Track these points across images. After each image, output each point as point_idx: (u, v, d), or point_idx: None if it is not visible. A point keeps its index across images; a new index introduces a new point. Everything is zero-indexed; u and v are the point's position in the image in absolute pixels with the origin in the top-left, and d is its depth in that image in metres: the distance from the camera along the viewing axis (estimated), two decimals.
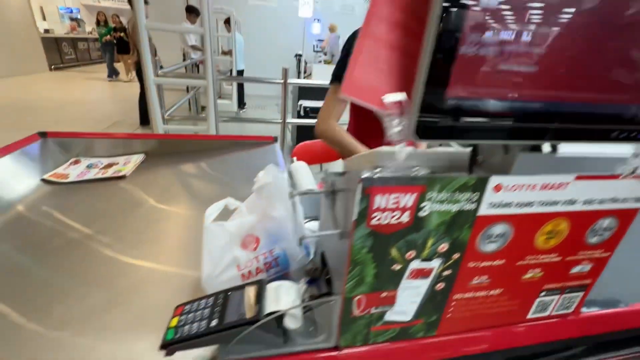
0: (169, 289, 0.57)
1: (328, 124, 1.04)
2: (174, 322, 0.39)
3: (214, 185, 1.00)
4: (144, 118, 3.84)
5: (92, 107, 4.86)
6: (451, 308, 0.41)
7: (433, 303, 0.40)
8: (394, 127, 0.29)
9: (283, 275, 0.54)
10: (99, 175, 1.01)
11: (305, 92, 3.01)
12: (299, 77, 5.27)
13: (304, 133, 2.80)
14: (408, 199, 0.32)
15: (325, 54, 4.78)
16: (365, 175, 0.29)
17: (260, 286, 0.41)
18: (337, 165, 1.13)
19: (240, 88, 4.84)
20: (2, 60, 6.36)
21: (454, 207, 0.34)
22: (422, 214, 0.33)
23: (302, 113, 2.89)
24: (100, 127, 3.83)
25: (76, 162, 1.09)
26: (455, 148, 0.38)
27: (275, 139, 1.29)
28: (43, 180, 0.96)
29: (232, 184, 1.01)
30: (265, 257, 0.52)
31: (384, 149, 0.35)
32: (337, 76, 1.04)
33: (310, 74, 4.37)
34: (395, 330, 0.41)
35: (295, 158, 1.24)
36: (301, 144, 1.34)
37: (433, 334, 0.43)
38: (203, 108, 4.23)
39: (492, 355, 0.45)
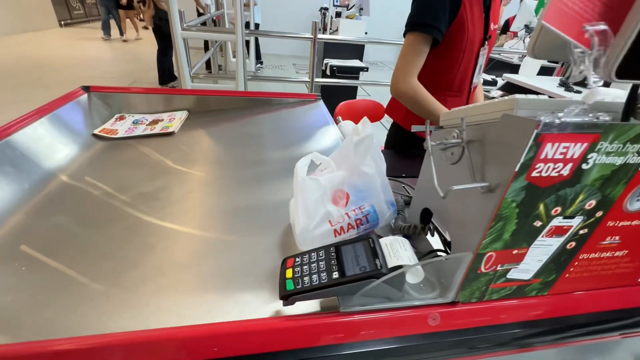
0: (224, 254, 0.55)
1: (409, 83, 0.91)
2: (289, 273, 0.39)
3: (264, 144, 0.97)
4: (163, 77, 3.75)
5: (108, 65, 4.77)
6: (572, 268, 0.39)
7: (556, 262, 0.38)
8: (585, 64, 0.25)
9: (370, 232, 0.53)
10: (147, 132, 0.99)
11: (332, 49, 2.85)
12: (324, 32, 4.97)
13: (329, 94, 2.70)
14: (576, 150, 0.29)
15: (347, 7, 4.46)
16: (546, 119, 0.26)
17: (374, 241, 0.39)
18: (347, 125, 1.07)
19: (257, 45, 4.63)
20: (12, 16, 6.19)
21: (619, 160, 0.30)
22: (584, 166, 0.30)
23: (328, 72, 2.76)
24: (126, 82, 3.78)
25: (121, 118, 1.07)
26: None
27: (318, 97, 1.24)
28: (94, 135, 0.95)
29: (284, 143, 0.98)
30: (355, 214, 0.51)
31: (540, 97, 0.31)
32: (418, 24, 0.88)
33: (337, 30, 4.08)
34: (511, 288, 0.40)
35: (340, 118, 1.19)
36: (344, 102, 1.28)
37: (545, 294, 0.42)
38: (220, 67, 4.09)
39: (600, 315, 0.44)
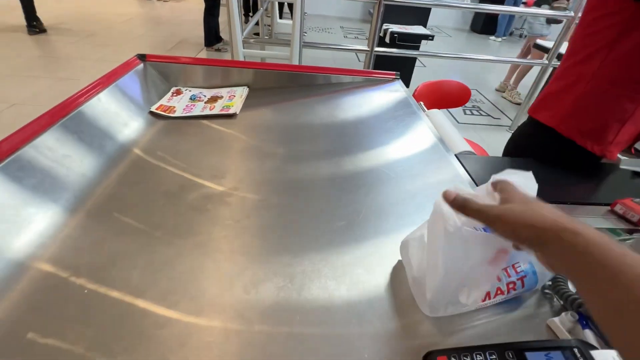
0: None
1: None
2: None
3: (341, 136, 0.82)
4: (209, 38, 3.63)
5: (153, 24, 4.71)
6: None
7: None
8: None
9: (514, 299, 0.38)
10: (207, 111, 0.88)
11: (390, 12, 2.51)
12: None
13: (383, 66, 2.43)
14: None
15: None
16: None
17: (583, 353, 0.25)
18: (435, 116, 0.86)
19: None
20: None
21: None
22: None
23: (387, 40, 2.47)
24: (166, 47, 3.72)
25: (178, 92, 0.97)
26: None
27: (397, 76, 1.05)
28: (151, 112, 0.85)
29: (365, 136, 0.81)
30: (508, 276, 0.36)
31: None
32: None
33: None
34: None
35: (422, 103, 1.00)
36: (425, 83, 1.08)
37: None
38: (268, 30, 3.87)
39: None
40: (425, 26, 2.72)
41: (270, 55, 1.94)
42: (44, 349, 0.34)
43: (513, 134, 0.88)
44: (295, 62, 1.82)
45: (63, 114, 0.64)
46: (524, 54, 3.16)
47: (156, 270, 0.44)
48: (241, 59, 1.81)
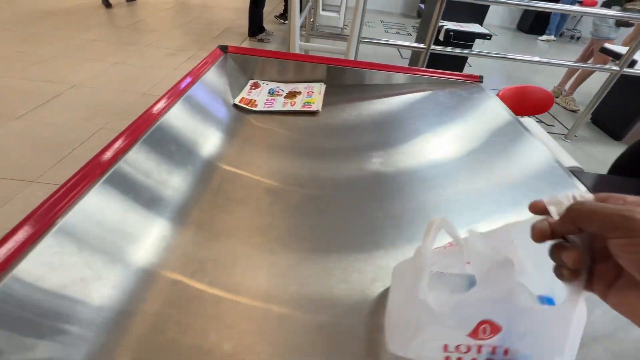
0: None
1: None
2: None
3: (430, 139, 0.78)
4: (253, 29, 3.64)
5: (195, 12, 4.78)
6: None
7: None
8: None
9: None
10: (288, 107, 0.87)
11: (448, 9, 2.41)
12: None
13: (435, 65, 2.34)
14: None
15: None
16: None
17: None
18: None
19: None
20: None
21: None
22: None
23: (441, 38, 2.37)
24: (212, 35, 3.77)
25: (255, 85, 0.96)
26: None
27: (480, 79, 0.99)
28: (234, 105, 0.86)
29: (454, 140, 0.77)
30: (493, 354, 0.28)
31: None
32: None
33: None
34: None
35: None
36: (507, 88, 1.02)
37: None
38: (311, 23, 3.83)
39: None
40: (481, 24, 2.59)
41: (326, 50, 1.91)
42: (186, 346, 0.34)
43: (629, 148, 0.82)
44: (352, 57, 1.79)
45: (153, 119, 0.64)
46: (585, 57, 2.95)
47: (280, 274, 0.43)
48: (297, 51, 1.79)
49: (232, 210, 0.53)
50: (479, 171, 0.67)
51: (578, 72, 2.90)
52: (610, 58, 2.46)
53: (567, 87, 3.04)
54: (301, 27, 3.70)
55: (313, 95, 0.92)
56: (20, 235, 0.35)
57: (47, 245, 0.36)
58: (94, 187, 0.44)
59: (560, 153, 0.74)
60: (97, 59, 2.78)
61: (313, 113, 0.86)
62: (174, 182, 0.56)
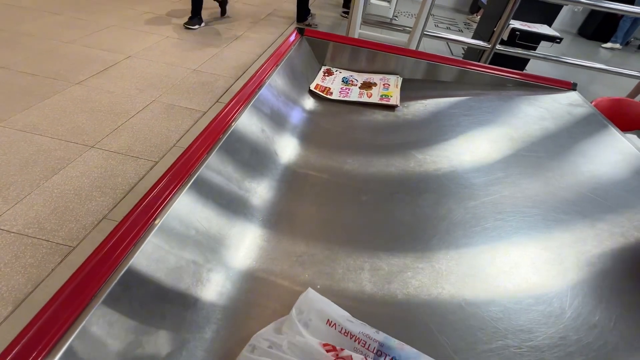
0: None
1: None
2: None
3: (517, 146, 0.72)
4: (302, 13, 3.58)
5: None
6: None
7: None
8: None
9: None
10: (365, 98, 0.83)
11: (520, 7, 2.24)
12: None
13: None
14: None
15: None
16: None
17: None
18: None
19: None
20: None
21: None
22: None
23: (504, 37, 2.21)
24: (260, 17, 3.75)
25: (329, 72, 0.93)
26: None
27: (574, 86, 0.91)
28: (310, 91, 0.83)
29: (547, 149, 0.71)
30: None
31: None
32: None
33: None
34: None
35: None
36: (603, 99, 0.93)
37: None
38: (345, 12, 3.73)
39: None
40: (550, 25, 2.40)
41: (386, 40, 1.84)
42: None
43: None
44: (413, 48, 1.71)
45: (246, 100, 0.61)
46: None
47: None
48: (356, 37, 1.73)
49: (313, 208, 0.51)
50: (577, 181, 0.61)
51: None
52: None
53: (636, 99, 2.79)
54: (345, 13, 3.60)
55: (390, 88, 0.88)
56: (125, 235, 0.33)
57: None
58: (183, 191, 0.39)
59: None
60: (151, 32, 2.83)
61: (391, 107, 0.81)
62: (258, 183, 0.54)
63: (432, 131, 0.75)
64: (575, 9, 5.54)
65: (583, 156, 0.69)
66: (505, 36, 2.22)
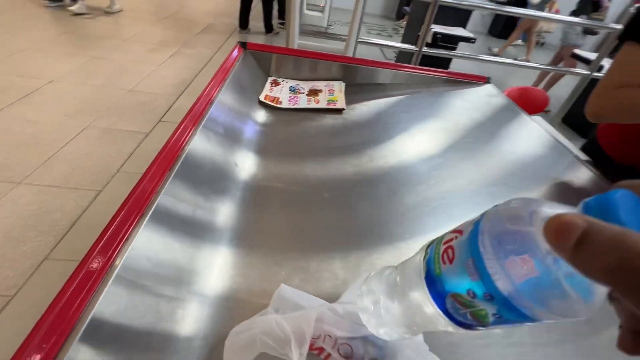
0: None
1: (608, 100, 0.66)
2: None
3: (452, 136, 0.82)
4: (244, 21, 3.61)
5: (212, 4, 4.63)
6: None
7: None
8: None
9: None
10: (313, 105, 0.88)
11: (438, 13, 2.50)
12: None
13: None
14: None
15: None
16: None
17: None
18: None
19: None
20: None
21: None
22: None
23: (429, 40, 2.46)
24: (193, 32, 3.66)
25: (276, 82, 0.96)
26: None
27: (489, 79, 1.06)
28: (260, 102, 0.85)
29: (478, 138, 0.82)
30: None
31: None
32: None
33: None
34: None
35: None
36: (512, 88, 1.09)
37: None
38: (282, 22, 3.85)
39: None
40: (464, 27, 2.72)
41: (323, 49, 1.92)
42: None
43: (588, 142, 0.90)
44: (350, 55, 1.82)
45: (197, 119, 0.61)
46: (556, 62, 3.18)
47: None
48: (296, 47, 1.79)
49: (280, 215, 0.54)
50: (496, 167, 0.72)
51: (550, 75, 3.13)
52: (579, 62, 2.66)
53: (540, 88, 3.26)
54: (282, 24, 3.71)
55: (335, 93, 0.94)
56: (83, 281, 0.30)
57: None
58: (142, 224, 0.37)
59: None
60: (74, 52, 2.62)
61: (338, 111, 0.87)
62: (222, 203, 0.55)
63: (378, 129, 0.82)
64: (483, 13, 6.28)
65: (503, 138, 0.82)
66: (429, 39, 2.46)
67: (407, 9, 3.87)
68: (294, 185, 0.60)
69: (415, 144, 0.77)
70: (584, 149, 0.90)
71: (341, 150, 0.73)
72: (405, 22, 4.56)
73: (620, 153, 0.78)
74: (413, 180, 0.64)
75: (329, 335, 0.32)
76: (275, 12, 4.24)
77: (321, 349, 0.32)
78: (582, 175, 0.71)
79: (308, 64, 1.02)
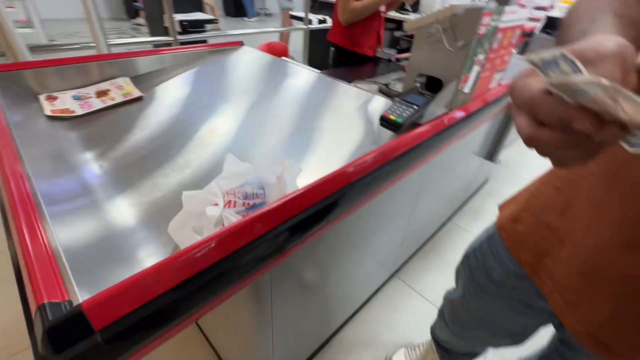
0: None
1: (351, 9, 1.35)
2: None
3: (226, 99, 1.08)
4: None
5: None
6: (478, 83, 0.88)
7: (474, 83, 0.85)
8: None
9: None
10: (110, 103, 0.92)
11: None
12: None
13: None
14: (485, 19, 0.72)
15: None
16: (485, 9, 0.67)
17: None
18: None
19: None
20: None
21: (492, 26, 0.76)
22: (486, 29, 0.74)
23: (179, 30, 2.55)
24: None
25: (52, 97, 0.91)
26: None
27: (242, 43, 1.36)
28: (49, 117, 0.82)
29: (270, 100, 1.12)
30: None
31: None
32: None
33: None
34: (465, 99, 0.85)
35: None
36: (264, 44, 1.46)
37: (469, 100, 0.90)
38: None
39: None
40: (201, 10, 2.97)
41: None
42: None
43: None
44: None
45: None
46: (284, 24, 4.01)
47: None
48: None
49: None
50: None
51: (283, 35, 3.93)
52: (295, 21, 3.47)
53: None
54: None
55: (125, 87, 0.99)
56: None
57: None
58: None
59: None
60: None
61: (139, 98, 0.95)
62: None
63: (187, 106, 0.97)
64: None
65: (275, 86, 1.15)
66: (178, 28, 2.58)
67: (139, 4, 3.72)
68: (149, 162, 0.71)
69: (220, 112, 0.98)
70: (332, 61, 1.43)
71: (159, 125, 0.85)
72: (143, 19, 4.37)
73: (353, 44, 1.43)
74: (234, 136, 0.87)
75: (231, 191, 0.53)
76: None
77: (229, 202, 0.53)
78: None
79: (75, 71, 1.00)
